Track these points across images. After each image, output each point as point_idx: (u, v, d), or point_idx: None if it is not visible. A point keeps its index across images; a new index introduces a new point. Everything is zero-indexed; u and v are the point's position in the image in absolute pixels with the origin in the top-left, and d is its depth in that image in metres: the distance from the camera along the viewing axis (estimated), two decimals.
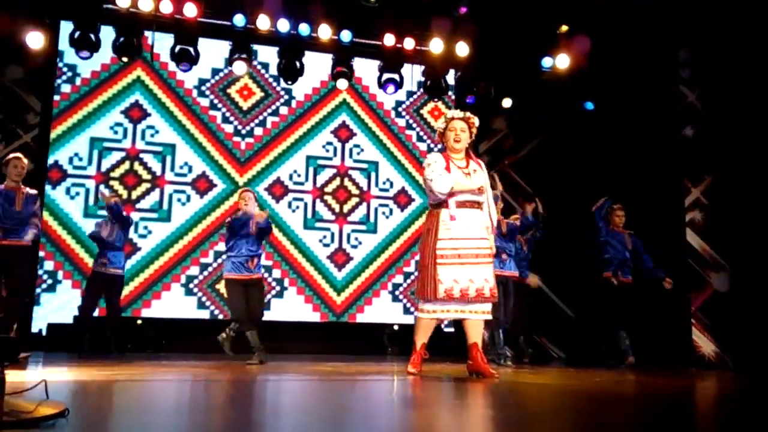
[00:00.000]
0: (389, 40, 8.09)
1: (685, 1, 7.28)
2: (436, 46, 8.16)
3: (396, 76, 8.35)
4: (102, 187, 7.72)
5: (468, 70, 8.63)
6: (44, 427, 1.84)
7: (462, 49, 8.19)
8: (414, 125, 9.17)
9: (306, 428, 2.14)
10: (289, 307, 8.28)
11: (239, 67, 7.93)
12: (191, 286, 8.02)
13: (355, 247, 8.66)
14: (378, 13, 7.96)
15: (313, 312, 8.35)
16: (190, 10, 7.43)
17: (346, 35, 7.97)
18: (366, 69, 8.76)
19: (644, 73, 8.12)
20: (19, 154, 6.01)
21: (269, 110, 8.65)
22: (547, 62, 8.41)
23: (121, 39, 7.54)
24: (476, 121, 4.54)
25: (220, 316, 7.98)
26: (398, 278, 8.73)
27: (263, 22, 7.65)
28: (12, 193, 5.84)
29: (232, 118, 8.49)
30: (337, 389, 3.70)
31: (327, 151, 8.78)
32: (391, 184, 8.94)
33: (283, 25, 7.75)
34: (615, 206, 7.13)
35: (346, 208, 8.71)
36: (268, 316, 8.12)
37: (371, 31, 8.18)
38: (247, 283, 5.74)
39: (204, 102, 8.42)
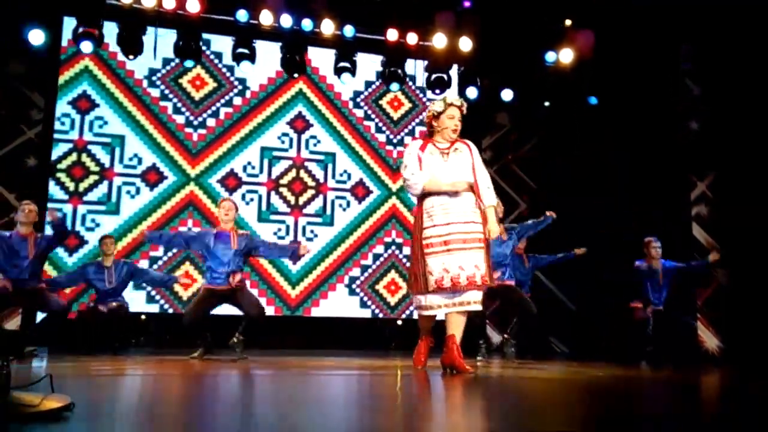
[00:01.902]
0: (392, 35, 8.09)
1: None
2: (439, 41, 8.13)
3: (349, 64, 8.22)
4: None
5: (471, 65, 8.57)
6: (50, 420, 1.84)
7: (465, 44, 8.16)
8: (372, 116, 9.01)
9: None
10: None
11: (243, 64, 7.97)
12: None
13: (310, 239, 8.49)
14: (381, 8, 7.97)
15: (267, 306, 8.16)
16: (193, 6, 7.45)
17: (348, 30, 7.97)
18: (323, 58, 8.60)
19: (648, 66, 8.03)
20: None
21: (222, 101, 8.47)
22: (550, 57, 8.40)
23: (124, 35, 7.55)
24: (465, 108, 4.33)
25: (170, 310, 7.82)
26: (355, 271, 8.58)
27: (266, 18, 7.68)
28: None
29: (183, 109, 8.31)
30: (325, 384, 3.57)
31: (282, 142, 8.61)
32: (349, 176, 8.78)
33: (286, 21, 7.79)
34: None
35: (302, 200, 8.55)
36: (220, 310, 8.02)
37: (374, 26, 8.15)
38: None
39: (154, 92, 8.24)
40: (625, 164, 8.23)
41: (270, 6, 7.67)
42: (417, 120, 9.14)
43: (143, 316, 7.73)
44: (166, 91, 8.28)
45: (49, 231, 6.16)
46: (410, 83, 9.07)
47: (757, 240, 6.99)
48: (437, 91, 8.69)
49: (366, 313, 8.52)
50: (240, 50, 7.89)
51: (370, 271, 8.62)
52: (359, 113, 8.95)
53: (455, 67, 8.73)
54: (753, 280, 7.06)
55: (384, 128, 9.02)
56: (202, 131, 8.34)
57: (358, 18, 8.00)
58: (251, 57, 7.97)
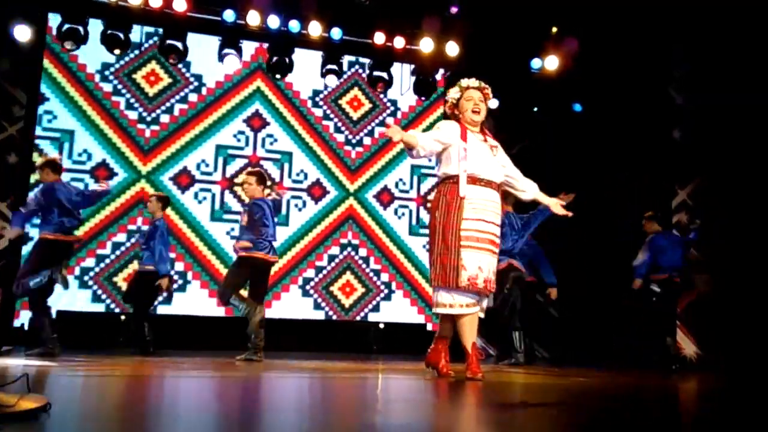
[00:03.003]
0: (379, 38, 8.09)
1: (675, 4, 7.15)
2: (426, 45, 8.12)
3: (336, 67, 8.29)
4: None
5: (458, 71, 8.44)
6: (26, 420, 1.83)
7: (452, 49, 8.19)
8: (332, 115, 8.90)
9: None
10: (192, 302, 8.00)
11: (230, 64, 7.92)
12: (86, 278, 7.71)
13: None
14: (369, 11, 7.93)
15: (218, 307, 8.05)
16: (180, 5, 7.39)
17: (336, 33, 7.95)
18: None
19: (633, 75, 8.03)
20: None
21: (177, 97, 8.33)
22: (536, 63, 8.41)
23: (110, 32, 7.49)
24: (490, 92, 4.16)
25: (116, 310, 7.68)
26: (309, 272, 8.47)
27: (253, 18, 7.65)
28: None
29: (136, 105, 8.17)
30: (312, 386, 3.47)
31: (238, 140, 8.48)
32: (306, 176, 8.67)
33: (273, 22, 7.74)
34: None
35: None
36: (171, 309, 7.92)
37: (362, 29, 8.14)
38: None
39: (107, 87, 8.09)
40: (608, 171, 8.23)
41: (257, 7, 7.64)
42: (377, 120, 9.05)
43: (123, 317, 7.62)
44: (119, 86, 8.13)
45: None
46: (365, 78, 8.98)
47: (736, 248, 7.03)
48: (423, 98, 8.84)
49: (320, 315, 8.42)
50: (227, 50, 7.89)
51: (324, 272, 8.52)
52: (318, 112, 8.83)
53: (441, 71, 8.81)
54: (732, 288, 7.10)
55: (343, 128, 8.91)
56: (155, 127, 8.19)
57: (345, 21, 7.99)
58: (238, 57, 7.97)
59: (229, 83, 8.53)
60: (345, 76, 8.87)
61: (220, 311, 8.00)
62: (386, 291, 8.73)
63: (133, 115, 8.13)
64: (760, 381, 5.16)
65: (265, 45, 8.27)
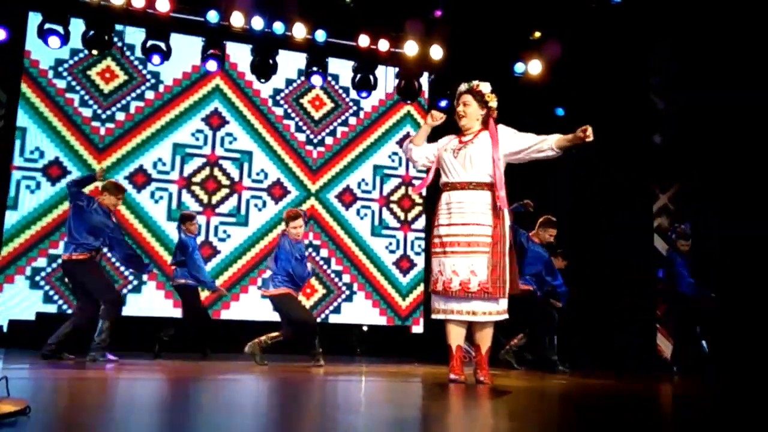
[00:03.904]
0: (364, 41, 8.07)
1: (657, 7, 7.17)
2: (410, 48, 8.10)
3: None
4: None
5: (442, 73, 8.55)
6: (5, 424, 1.79)
7: (436, 52, 8.17)
8: (293, 114, 8.79)
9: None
10: (147, 303, 7.84)
11: (212, 66, 7.83)
12: (37, 278, 7.52)
13: (223, 240, 8.24)
14: (353, 13, 7.88)
15: (174, 308, 7.89)
16: (162, 5, 7.29)
17: (320, 35, 7.89)
18: (242, 54, 8.35)
19: (615, 79, 8.06)
20: None
21: (134, 94, 8.17)
22: (519, 68, 8.42)
23: (91, 32, 7.37)
24: (485, 87, 4.10)
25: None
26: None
27: (237, 19, 7.58)
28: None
29: (91, 102, 7.99)
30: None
31: (197, 139, 8.34)
32: (266, 176, 8.55)
33: (257, 23, 7.67)
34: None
35: (215, 199, 8.29)
36: (125, 311, 7.72)
37: (346, 31, 8.11)
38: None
39: (60, 84, 7.91)
40: (590, 175, 8.23)
41: (241, 8, 7.58)
42: (339, 120, 8.96)
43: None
44: (73, 83, 7.96)
45: None
46: (333, 82, 8.90)
47: (718, 252, 7.05)
48: (408, 102, 8.85)
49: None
50: (211, 51, 7.79)
51: None
52: (279, 111, 8.72)
53: (426, 75, 8.82)
54: (715, 291, 7.09)
55: (304, 127, 8.81)
56: (111, 125, 8.03)
57: (330, 23, 7.95)
58: (220, 58, 7.90)
59: (188, 81, 8.39)
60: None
61: (176, 312, 7.83)
62: (348, 292, 8.63)
63: (87, 112, 7.96)
64: (744, 383, 5.15)
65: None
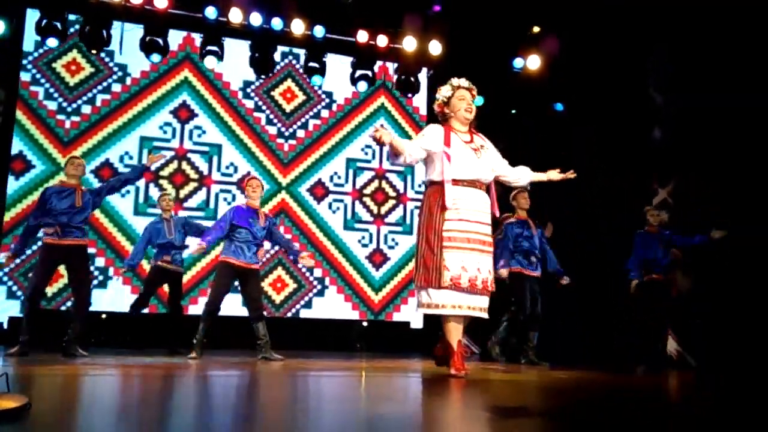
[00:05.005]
0: (362, 36, 8.06)
1: (657, 4, 7.07)
2: (409, 43, 8.09)
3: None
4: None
5: (441, 69, 8.44)
6: (6, 420, 1.79)
7: (435, 48, 8.17)
8: (263, 107, 8.68)
9: None
10: (112, 298, 7.77)
11: (210, 62, 7.78)
12: (0, 274, 7.45)
13: None
14: (352, 9, 7.88)
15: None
16: (161, 1, 7.28)
17: (319, 31, 7.89)
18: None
19: (614, 75, 7.97)
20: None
21: (100, 87, 8.07)
22: (518, 63, 8.41)
23: (88, 28, 7.33)
24: (476, 93, 4.31)
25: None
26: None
27: (235, 15, 7.57)
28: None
29: (56, 95, 7.90)
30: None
31: (164, 132, 8.25)
32: (236, 169, 8.45)
33: (256, 19, 7.66)
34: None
35: (183, 193, 8.21)
36: (93, 306, 7.66)
37: (344, 27, 8.08)
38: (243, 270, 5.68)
39: (25, 77, 7.81)
40: (589, 170, 8.14)
41: (240, 4, 7.55)
42: (311, 113, 8.84)
43: (103, 315, 7.60)
44: (38, 76, 7.86)
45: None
46: (305, 75, 8.78)
47: (716, 248, 6.96)
48: (409, 95, 8.77)
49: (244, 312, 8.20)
50: (209, 48, 7.74)
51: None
52: (249, 104, 8.62)
53: (424, 70, 8.79)
54: (712, 286, 7.02)
55: (275, 120, 8.70)
56: (76, 119, 7.93)
57: (328, 19, 7.93)
58: (220, 55, 7.82)
59: (155, 73, 8.29)
60: (278, 67, 8.67)
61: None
62: (319, 287, 8.55)
63: (52, 105, 7.86)
64: (744, 380, 5.10)
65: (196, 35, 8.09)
